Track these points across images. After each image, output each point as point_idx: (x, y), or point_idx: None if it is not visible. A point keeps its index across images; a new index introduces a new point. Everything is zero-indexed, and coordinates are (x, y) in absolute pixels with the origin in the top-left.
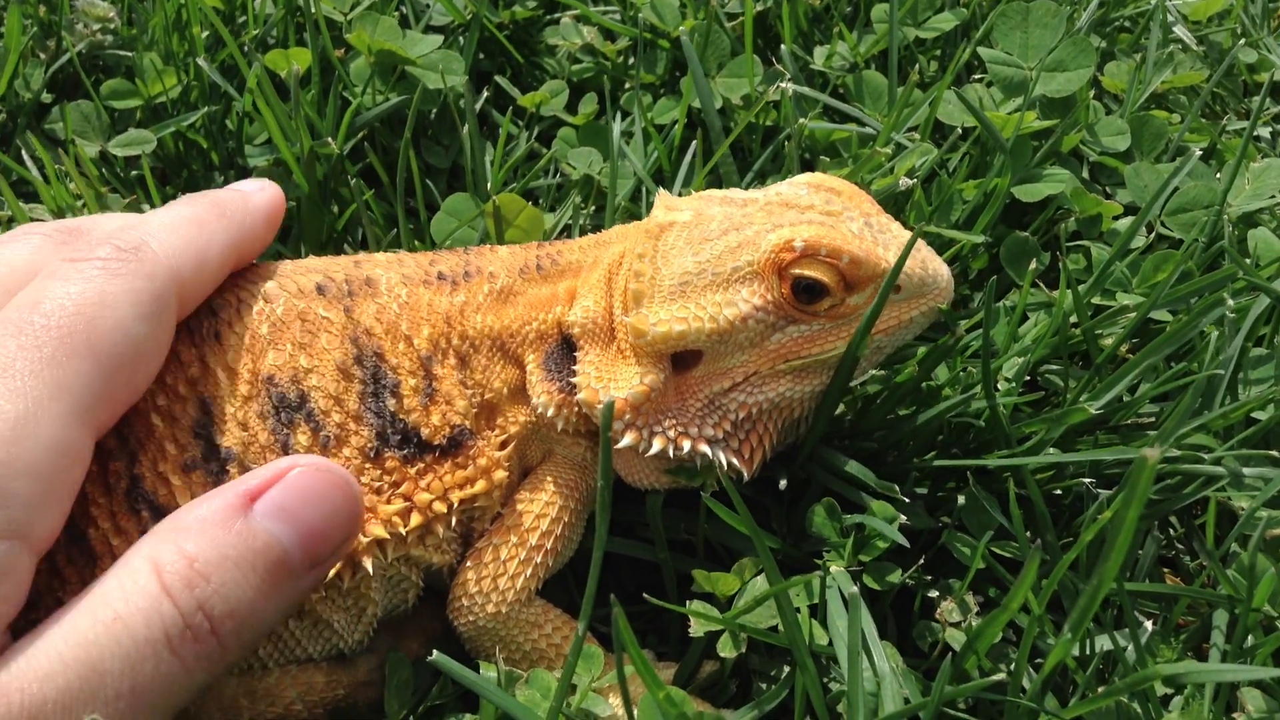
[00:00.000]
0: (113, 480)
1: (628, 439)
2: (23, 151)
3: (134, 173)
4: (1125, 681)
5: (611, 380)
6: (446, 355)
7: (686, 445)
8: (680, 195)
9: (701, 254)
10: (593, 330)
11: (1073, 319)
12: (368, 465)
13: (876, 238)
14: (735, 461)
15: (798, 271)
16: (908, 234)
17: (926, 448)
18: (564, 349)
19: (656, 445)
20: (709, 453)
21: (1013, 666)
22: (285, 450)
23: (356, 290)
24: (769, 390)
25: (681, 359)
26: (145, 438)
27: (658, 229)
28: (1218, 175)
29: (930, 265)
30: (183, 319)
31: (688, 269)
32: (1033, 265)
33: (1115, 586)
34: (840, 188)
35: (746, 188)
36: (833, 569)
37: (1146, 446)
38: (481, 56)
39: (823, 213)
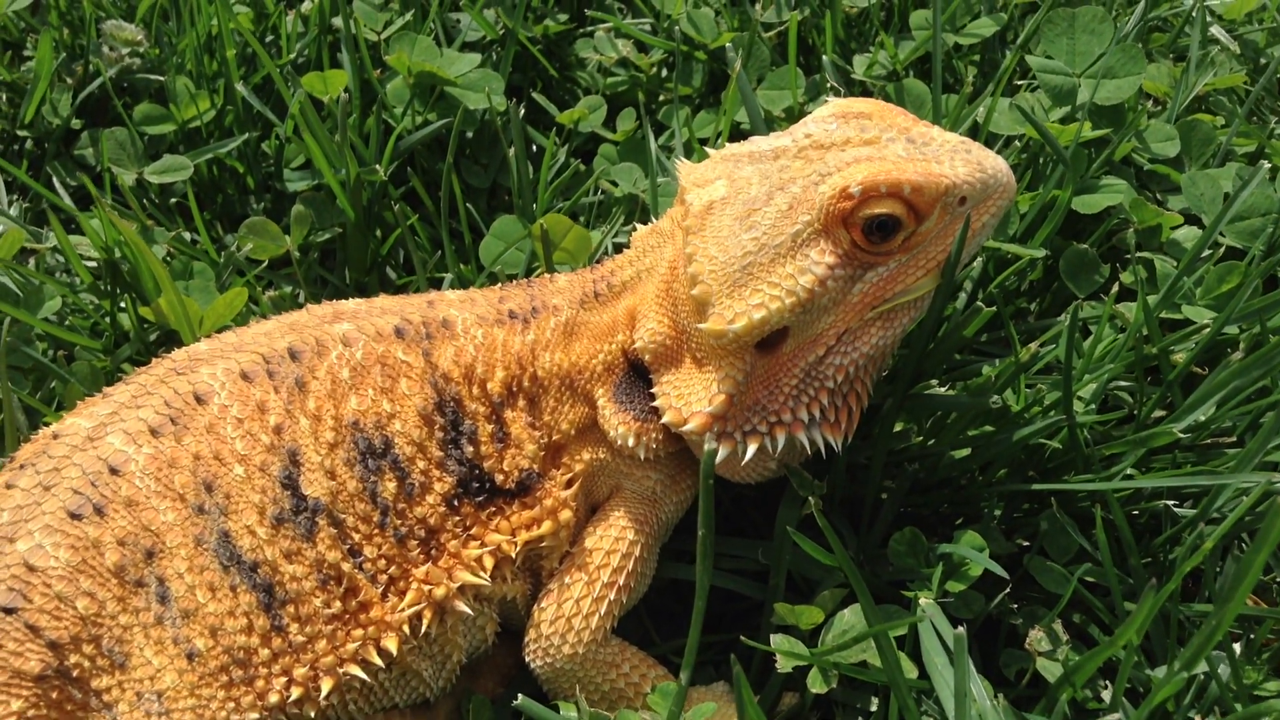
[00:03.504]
0: (201, 534)
1: (722, 452)
2: (53, 179)
3: (172, 200)
4: (1241, 714)
5: (690, 394)
6: (517, 398)
7: (782, 437)
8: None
9: (754, 229)
10: (661, 351)
11: (1143, 333)
12: (449, 513)
13: (924, 153)
14: (830, 437)
15: (866, 213)
16: (953, 138)
17: (1000, 470)
18: (632, 375)
19: (751, 448)
20: (804, 439)
21: (1106, 697)
22: (374, 499)
23: (434, 333)
24: (862, 344)
25: (767, 340)
26: (231, 490)
27: (697, 220)
28: (1270, 180)
29: (987, 165)
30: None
31: (746, 249)
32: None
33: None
34: (868, 109)
35: None
36: (923, 602)
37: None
38: (511, 71)
39: (861, 143)
